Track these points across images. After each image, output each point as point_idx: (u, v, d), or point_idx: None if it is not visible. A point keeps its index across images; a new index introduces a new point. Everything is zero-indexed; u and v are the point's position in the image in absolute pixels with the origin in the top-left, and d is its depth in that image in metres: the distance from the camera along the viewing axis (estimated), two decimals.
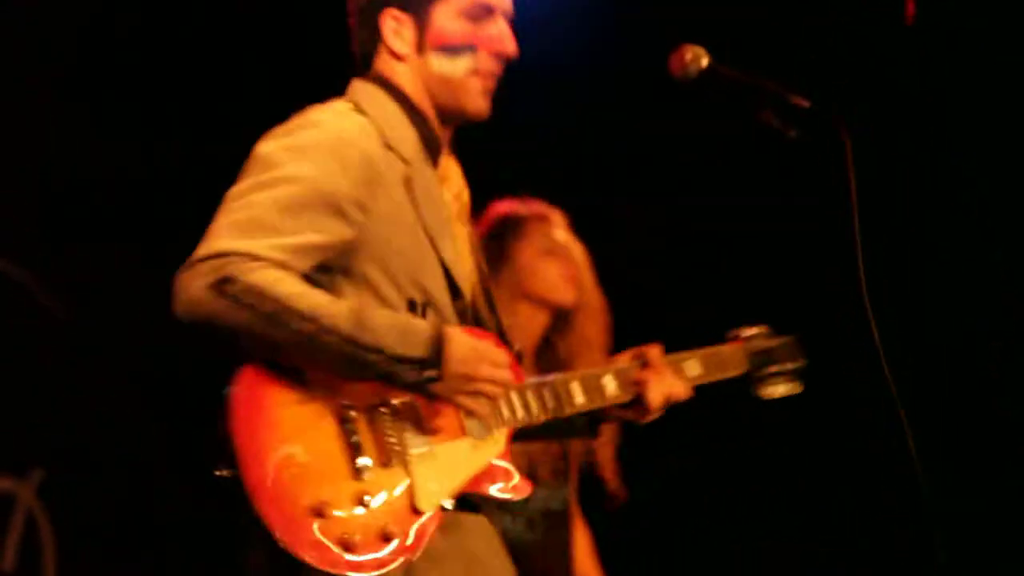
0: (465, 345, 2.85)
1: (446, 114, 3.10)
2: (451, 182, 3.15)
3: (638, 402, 3.30)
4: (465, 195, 3.19)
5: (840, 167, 3.06)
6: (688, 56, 3.13)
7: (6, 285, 4.95)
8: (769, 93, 3.11)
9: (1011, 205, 5.28)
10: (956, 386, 5.27)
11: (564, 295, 4.18)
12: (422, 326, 2.84)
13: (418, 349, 2.80)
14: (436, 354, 2.81)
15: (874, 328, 3.04)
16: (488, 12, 3.10)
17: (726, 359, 3.49)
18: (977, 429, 5.25)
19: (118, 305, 5.09)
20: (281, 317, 2.72)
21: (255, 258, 2.75)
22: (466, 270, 3.11)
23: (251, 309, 2.71)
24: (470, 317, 3.09)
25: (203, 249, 2.77)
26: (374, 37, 3.12)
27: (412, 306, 2.94)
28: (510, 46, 3.11)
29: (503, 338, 3.13)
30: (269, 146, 2.92)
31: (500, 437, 3.06)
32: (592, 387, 3.25)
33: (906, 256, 5.31)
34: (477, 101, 3.08)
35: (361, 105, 3.04)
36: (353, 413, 2.83)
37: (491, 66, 3.10)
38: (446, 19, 3.08)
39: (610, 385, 3.28)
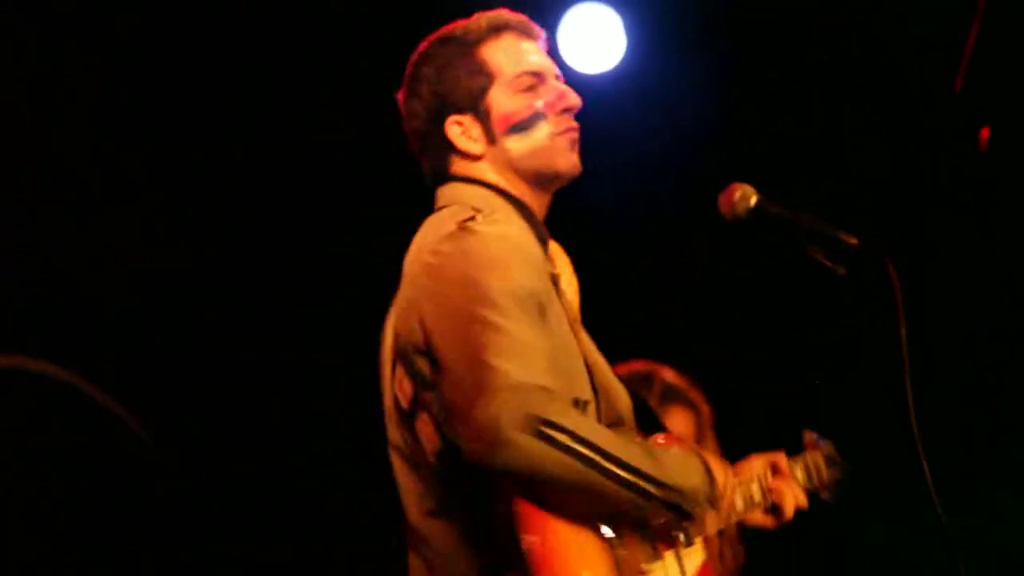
0: (722, 474, 3.07)
1: (542, 183, 3.13)
2: (565, 272, 3.18)
3: (773, 510, 3.37)
4: (575, 283, 3.21)
5: (889, 301, 3.13)
6: (737, 195, 3.17)
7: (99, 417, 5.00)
8: (818, 231, 3.15)
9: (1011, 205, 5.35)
10: (955, 386, 5.35)
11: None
12: (694, 460, 2.94)
13: (702, 483, 2.91)
14: (712, 487, 2.94)
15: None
16: (538, 78, 3.15)
17: (815, 465, 3.56)
18: (977, 429, 5.34)
19: None
20: (600, 463, 2.70)
21: (545, 389, 2.70)
22: (600, 362, 3.12)
23: (573, 453, 2.67)
24: (603, 411, 3.06)
25: (487, 386, 2.68)
26: (445, 149, 3.15)
27: (576, 404, 2.91)
28: (572, 99, 3.15)
29: (657, 425, 3.22)
30: (455, 269, 2.86)
31: (699, 544, 3.11)
32: (746, 495, 3.32)
33: (906, 257, 5.38)
34: (569, 157, 3.14)
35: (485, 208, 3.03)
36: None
37: (566, 123, 3.14)
38: (504, 100, 3.12)
39: (757, 494, 3.34)
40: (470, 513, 2.89)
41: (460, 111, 3.13)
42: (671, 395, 4.32)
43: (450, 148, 3.15)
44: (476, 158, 3.13)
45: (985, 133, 5.15)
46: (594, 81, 5.50)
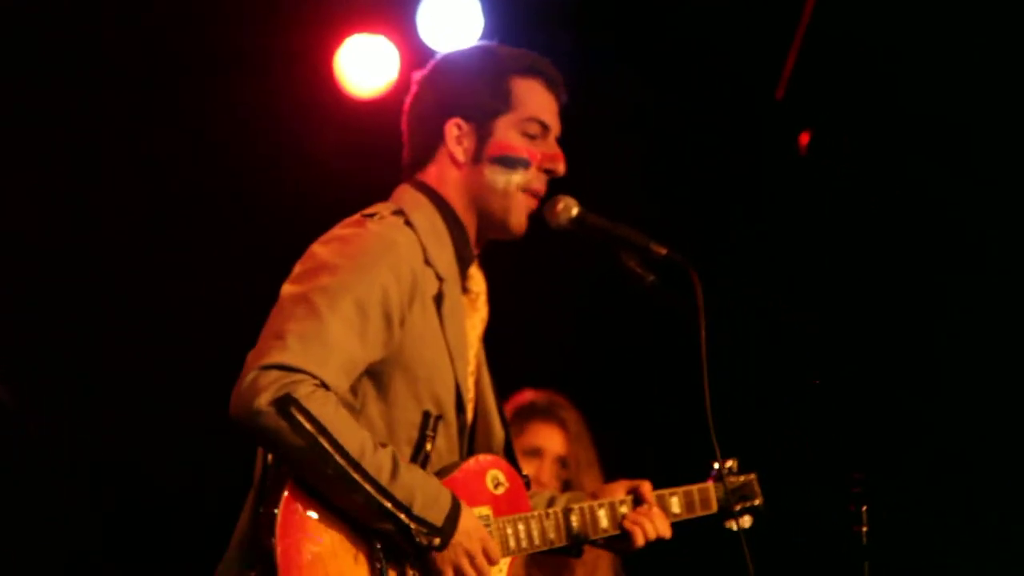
0: (473, 524, 3.12)
1: (488, 225, 3.35)
2: (476, 296, 3.37)
3: (625, 537, 3.51)
4: (485, 311, 3.40)
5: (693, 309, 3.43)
6: (560, 206, 3.44)
7: None
8: (632, 241, 3.43)
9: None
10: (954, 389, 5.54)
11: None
12: (445, 496, 3.08)
13: (438, 517, 3.05)
14: (450, 526, 3.07)
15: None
16: (544, 129, 3.37)
17: (702, 498, 3.70)
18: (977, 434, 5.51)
19: None
20: (329, 453, 2.95)
21: (319, 383, 2.98)
22: (471, 388, 3.34)
23: (306, 437, 2.94)
24: (467, 433, 3.29)
25: (270, 357, 2.98)
26: (434, 143, 3.35)
27: (426, 417, 3.18)
28: (561, 165, 3.37)
29: (512, 459, 3.38)
30: (326, 249, 3.15)
31: (504, 566, 3.27)
32: (587, 520, 3.46)
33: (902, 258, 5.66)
34: (520, 217, 3.35)
35: (409, 215, 3.24)
36: (380, 547, 3.05)
37: (539, 184, 3.36)
38: (507, 132, 3.34)
39: (603, 520, 3.48)
40: (247, 513, 3.16)
41: (466, 119, 3.32)
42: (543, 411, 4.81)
43: (439, 144, 3.34)
44: (456, 166, 3.32)
45: (805, 138, 5.50)
46: None
